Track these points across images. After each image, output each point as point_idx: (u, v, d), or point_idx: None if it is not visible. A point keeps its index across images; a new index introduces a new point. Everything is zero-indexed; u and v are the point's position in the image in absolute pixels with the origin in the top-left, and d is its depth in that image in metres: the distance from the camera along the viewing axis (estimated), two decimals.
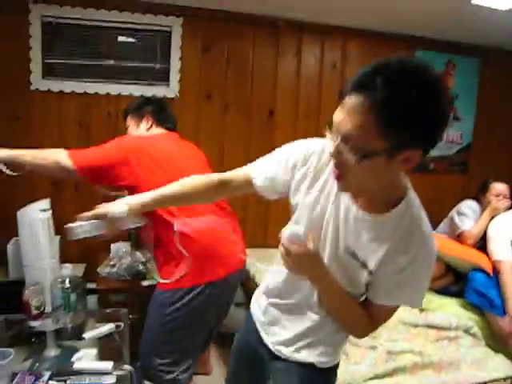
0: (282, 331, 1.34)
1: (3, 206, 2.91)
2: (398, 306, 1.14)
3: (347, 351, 2.18)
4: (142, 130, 2.15)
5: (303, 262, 1.08)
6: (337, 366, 1.35)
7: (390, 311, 1.16)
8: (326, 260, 1.16)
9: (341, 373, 1.92)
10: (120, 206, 1.32)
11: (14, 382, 1.53)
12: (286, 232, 1.08)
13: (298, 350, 1.30)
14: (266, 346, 1.38)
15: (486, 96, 4.01)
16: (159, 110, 2.19)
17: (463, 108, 3.96)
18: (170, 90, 3.27)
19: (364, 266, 1.11)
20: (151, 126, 2.16)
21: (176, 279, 1.91)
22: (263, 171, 1.32)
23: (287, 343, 1.32)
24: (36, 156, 1.87)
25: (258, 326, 1.43)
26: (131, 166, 1.87)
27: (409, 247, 1.04)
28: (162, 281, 1.96)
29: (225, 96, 3.41)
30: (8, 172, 1.91)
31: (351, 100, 0.91)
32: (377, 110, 0.88)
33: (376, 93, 0.88)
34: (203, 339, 2.10)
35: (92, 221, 1.32)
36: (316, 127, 3.60)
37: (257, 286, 2.87)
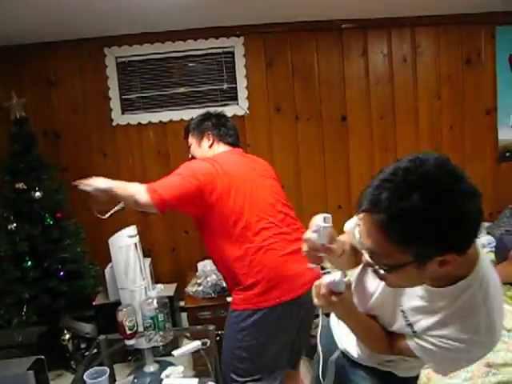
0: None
1: (100, 235, 3.17)
2: None
3: None
4: (204, 148, 2.12)
5: (334, 307, 1.10)
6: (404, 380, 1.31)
7: (412, 353, 1.12)
8: (378, 296, 1.17)
9: None
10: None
11: None
12: (327, 278, 1.06)
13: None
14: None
15: None
16: (219, 125, 2.14)
17: None
18: (239, 108, 3.36)
19: (410, 326, 1.10)
20: (213, 143, 2.12)
21: (241, 301, 1.90)
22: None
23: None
24: (124, 188, 1.90)
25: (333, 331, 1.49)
26: (204, 194, 1.85)
27: (458, 328, 1.00)
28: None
29: (294, 106, 3.42)
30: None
31: (365, 219, 0.91)
32: (386, 229, 0.87)
33: (381, 213, 0.86)
34: (282, 357, 1.99)
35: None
36: (392, 127, 3.48)
37: None
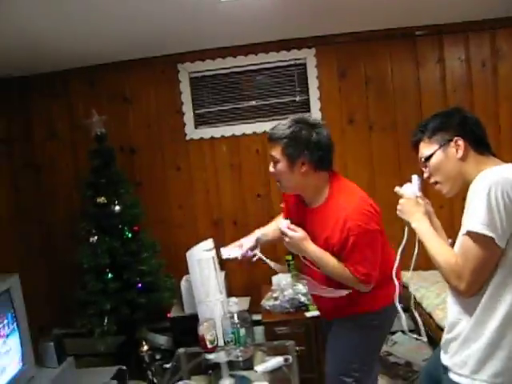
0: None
1: (173, 247, 3.26)
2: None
3: None
4: (296, 175, 1.88)
5: (408, 207, 1.57)
6: None
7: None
8: None
9: None
10: None
11: None
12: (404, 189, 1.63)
13: None
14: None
15: None
16: (318, 147, 1.81)
17: None
18: None
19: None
20: (308, 170, 1.84)
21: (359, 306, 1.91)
22: None
23: None
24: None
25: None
26: None
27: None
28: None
29: (368, 117, 3.34)
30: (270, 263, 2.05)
31: (420, 146, 1.52)
32: (429, 138, 1.48)
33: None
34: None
35: None
36: None
37: (425, 312, 2.67)
